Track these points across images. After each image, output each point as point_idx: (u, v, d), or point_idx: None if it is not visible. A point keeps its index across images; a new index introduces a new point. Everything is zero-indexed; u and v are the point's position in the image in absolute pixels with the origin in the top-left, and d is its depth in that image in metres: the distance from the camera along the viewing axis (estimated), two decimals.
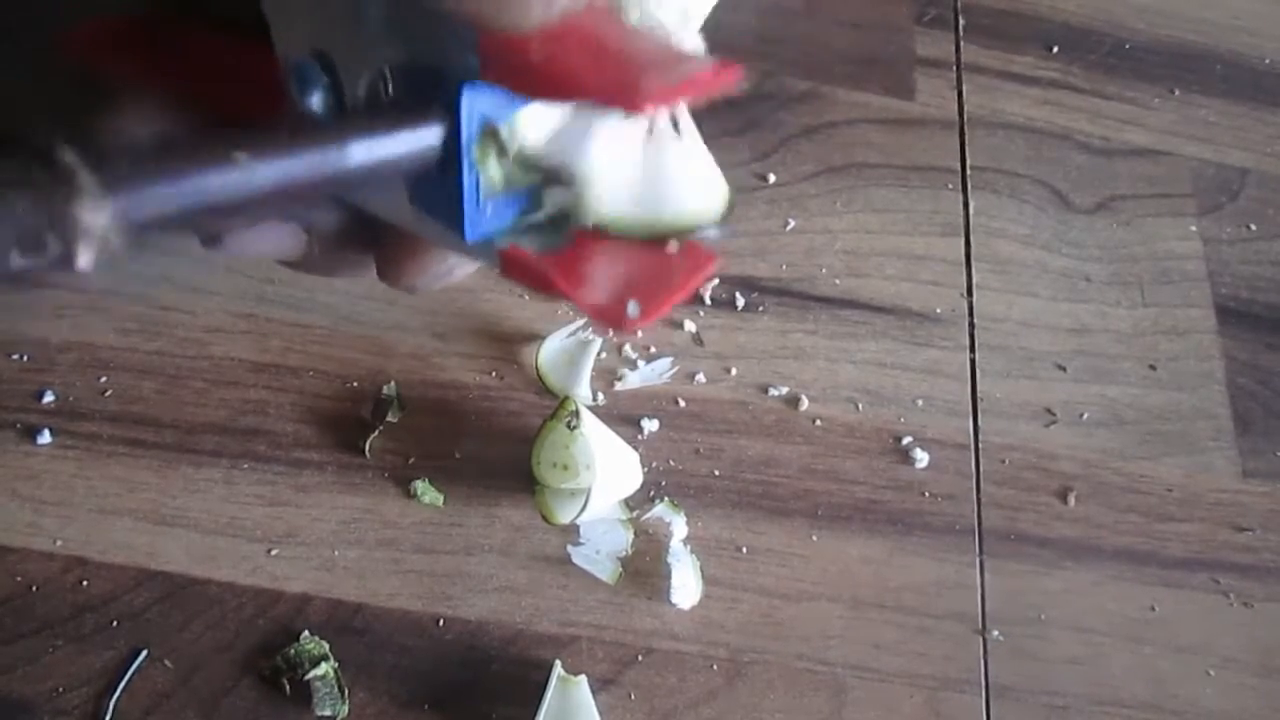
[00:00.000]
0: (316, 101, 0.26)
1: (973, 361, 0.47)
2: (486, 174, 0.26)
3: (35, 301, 0.42)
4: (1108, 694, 0.41)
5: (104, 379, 0.41)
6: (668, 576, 0.39)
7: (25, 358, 0.41)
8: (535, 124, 0.27)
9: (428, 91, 0.25)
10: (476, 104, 0.25)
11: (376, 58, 0.25)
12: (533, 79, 0.25)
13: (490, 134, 0.26)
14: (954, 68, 0.55)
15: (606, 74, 0.25)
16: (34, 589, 0.37)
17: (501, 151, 0.26)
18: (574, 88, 0.25)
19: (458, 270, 0.31)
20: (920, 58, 0.55)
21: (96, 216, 0.21)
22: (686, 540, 0.41)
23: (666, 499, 0.41)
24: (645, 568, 0.40)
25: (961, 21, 0.56)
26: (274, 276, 0.44)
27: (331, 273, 0.32)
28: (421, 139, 0.25)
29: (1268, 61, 0.58)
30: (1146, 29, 0.47)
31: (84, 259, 0.21)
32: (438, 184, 0.26)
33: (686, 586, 0.40)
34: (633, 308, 0.28)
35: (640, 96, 0.25)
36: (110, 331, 0.42)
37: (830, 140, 0.51)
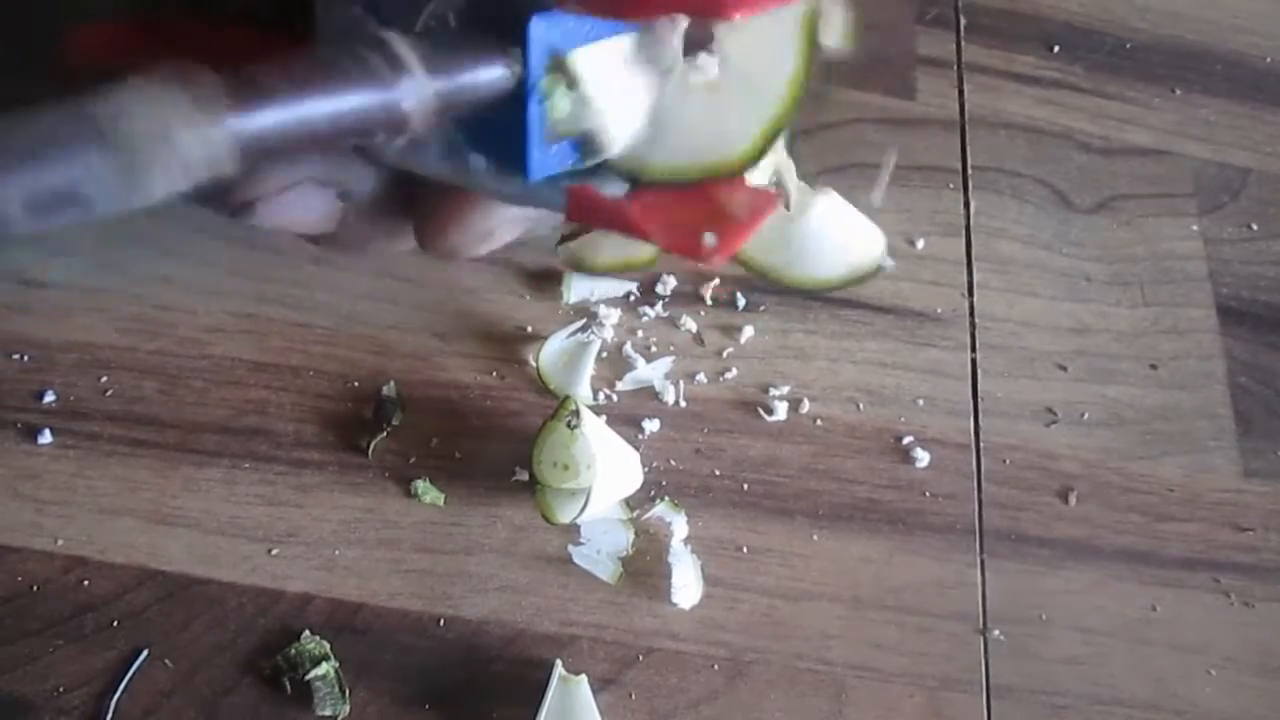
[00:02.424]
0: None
1: (974, 361, 0.47)
2: (553, 108, 0.25)
3: (35, 301, 0.42)
4: (1108, 693, 0.41)
5: (105, 379, 0.41)
6: (668, 576, 0.39)
7: (26, 358, 0.41)
8: (603, 59, 0.26)
9: (494, 22, 0.24)
10: (546, 34, 0.24)
11: None
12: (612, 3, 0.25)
13: (558, 65, 0.25)
14: (955, 67, 0.55)
15: None
16: (34, 589, 0.38)
17: (570, 84, 0.25)
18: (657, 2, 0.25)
19: (499, 232, 0.29)
20: (921, 57, 0.55)
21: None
22: (687, 540, 0.41)
23: (667, 499, 0.41)
24: (646, 567, 0.40)
25: (963, 21, 0.56)
26: (274, 276, 0.44)
27: (365, 245, 0.30)
28: (487, 72, 0.24)
29: (1269, 61, 0.58)
30: (1148, 29, 0.47)
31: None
32: (501, 120, 0.25)
33: (687, 586, 0.40)
34: (709, 238, 0.28)
35: (727, 3, 0.25)
36: (111, 331, 0.42)
37: (830, 140, 0.51)
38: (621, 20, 0.26)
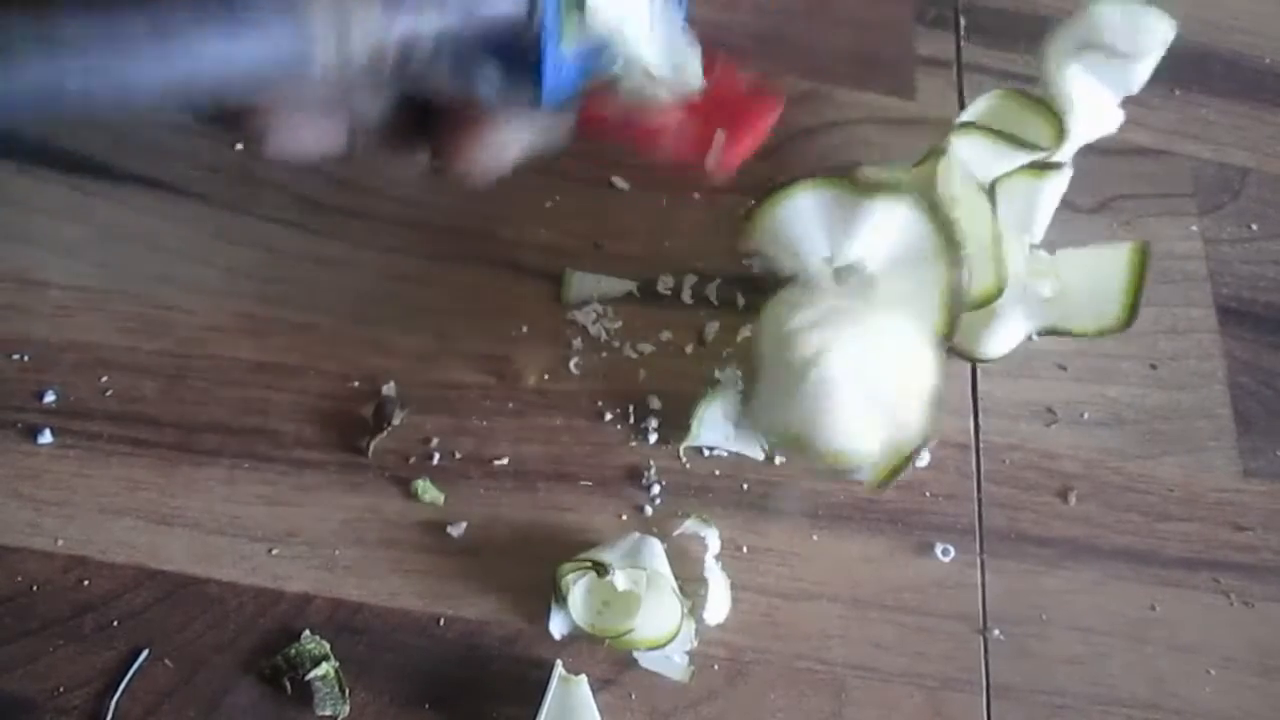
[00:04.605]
0: None
1: (974, 361, 0.47)
2: (566, 33, 0.26)
3: (35, 301, 0.42)
4: (1108, 693, 0.41)
5: (105, 378, 0.41)
6: (703, 594, 0.39)
7: (26, 357, 0.41)
8: None
9: None
10: None
11: None
12: None
13: None
14: (955, 67, 0.55)
15: None
16: (35, 588, 0.38)
17: (581, 6, 0.26)
18: None
19: (513, 145, 0.29)
20: (921, 57, 0.55)
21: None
22: (718, 556, 0.40)
23: (694, 514, 0.41)
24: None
25: (963, 21, 0.56)
26: (274, 276, 0.44)
27: (378, 159, 0.31)
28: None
29: (1268, 61, 0.58)
30: None
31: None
32: (512, 42, 0.25)
33: (719, 603, 0.39)
34: (713, 156, 0.28)
35: None
36: (111, 331, 0.42)
37: (831, 140, 0.51)
38: None
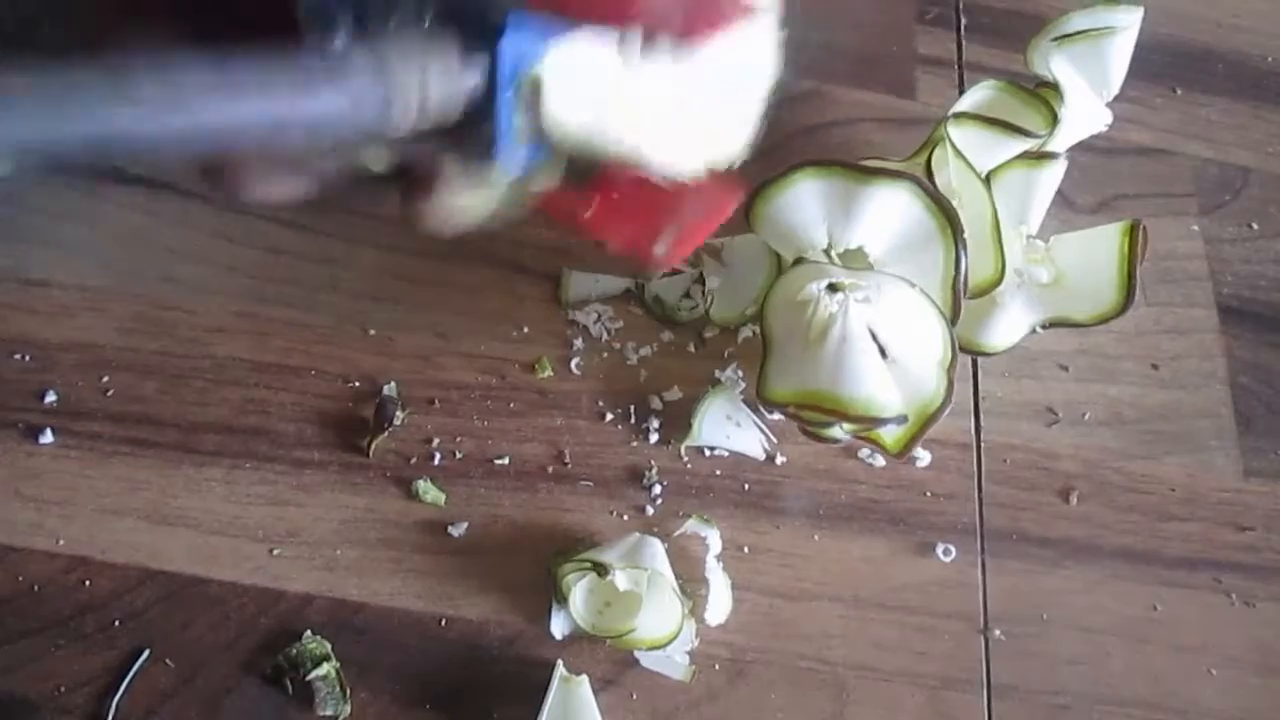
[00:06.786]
0: (339, 42, 0.26)
1: (974, 361, 0.47)
2: (521, 116, 0.27)
3: (36, 301, 0.42)
4: (1109, 693, 0.41)
5: (106, 378, 0.41)
6: (704, 594, 0.39)
7: (27, 357, 0.41)
8: (567, 64, 0.27)
9: (467, 28, 0.26)
10: (516, 46, 0.26)
11: None
12: (582, 7, 0.26)
13: (528, 79, 0.26)
14: (956, 66, 0.55)
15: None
16: (36, 589, 0.38)
17: (536, 93, 0.27)
18: (625, 10, 0.26)
19: (474, 208, 0.31)
20: (922, 56, 0.55)
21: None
22: (719, 556, 0.40)
23: (695, 514, 0.41)
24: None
25: (963, 20, 0.56)
26: (275, 276, 0.44)
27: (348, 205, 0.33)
28: (459, 80, 0.26)
29: (1270, 60, 0.58)
30: (1148, 28, 0.47)
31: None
32: (472, 123, 0.26)
33: (720, 603, 0.39)
34: (660, 246, 0.29)
35: (695, 25, 0.26)
36: (112, 331, 0.42)
37: (832, 139, 0.51)
38: (587, 23, 0.27)
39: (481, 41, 0.26)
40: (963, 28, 0.56)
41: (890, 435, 0.39)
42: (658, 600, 0.38)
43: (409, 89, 0.25)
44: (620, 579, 0.37)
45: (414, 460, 0.41)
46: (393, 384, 0.42)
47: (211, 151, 0.26)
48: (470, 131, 0.26)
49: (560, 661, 0.38)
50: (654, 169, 0.30)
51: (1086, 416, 0.46)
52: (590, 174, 0.30)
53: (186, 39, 0.26)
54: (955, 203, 0.39)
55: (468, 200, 0.30)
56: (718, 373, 0.44)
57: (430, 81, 0.25)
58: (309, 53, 0.25)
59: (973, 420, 0.45)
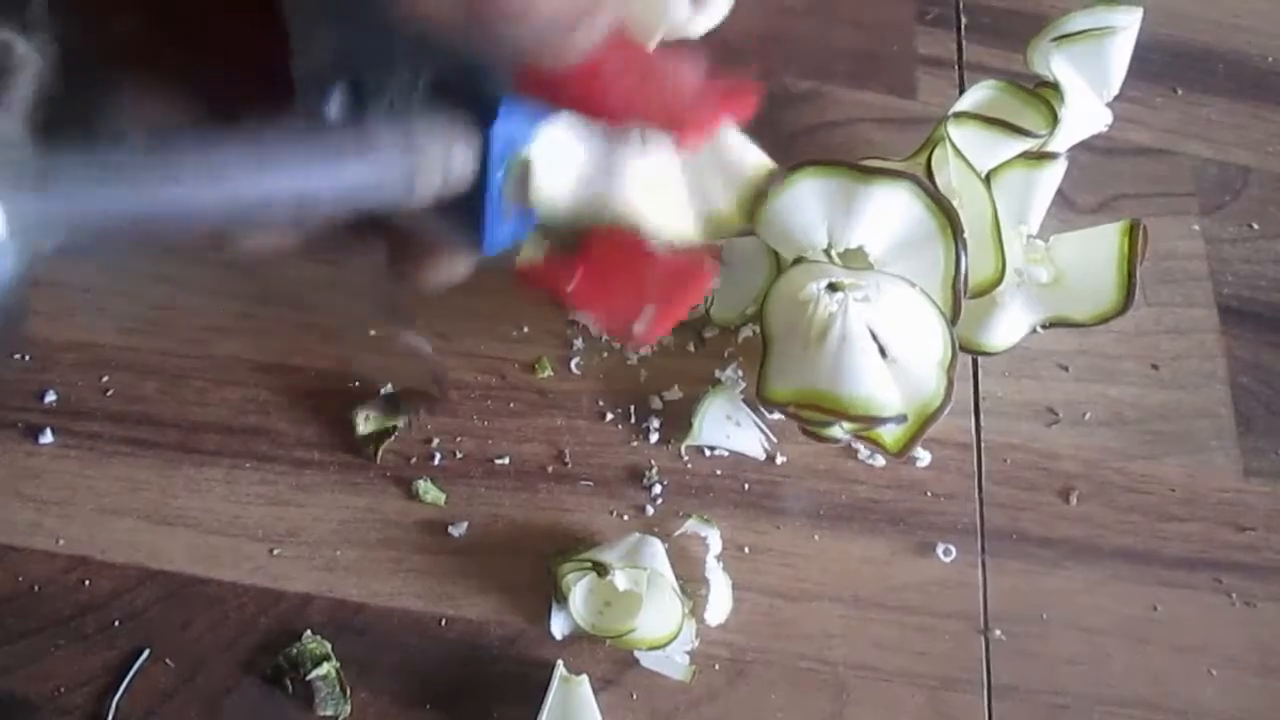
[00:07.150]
0: (333, 110, 0.26)
1: (975, 360, 0.47)
2: (510, 194, 0.27)
3: (36, 301, 0.42)
4: (1109, 693, 0.41)
5: (106, 378, 0.41)
6: (704, 594, 0.39)
7: (27, 357, 0.41)
8: (558, 145, 0.28)
9: (458, 106, 0.26)
10: (507, 128, 0.26)
11: (405, 68, 0.26)
12: (574, 100, 0.27)
13: (518, 160, 0.27)
14: (956, 66, 0.55)
15: (650, 99, 0.27)
16: (36, 588, 0.38)
17: (525, 174, 0.27)
18: (616, 109, 0.27)
19: (461, 269, 0.32)
20: (922, 57, 0.55)
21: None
22: (719, 556, 0.40)
23: (695, 514, 0.41)
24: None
25: (963, 20, 0.56)
26: (275, 276, 0.44)
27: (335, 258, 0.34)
28: (450, 159, 0.26)
29: (1270, 60, 0.58)
30: (1148, 28, 0.47)
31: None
32: (461, 198, 0.27)
33: (720, 603, 0.39)
34: (638, 326, 0.30)
35: (688, 125, 0.27)
36: (112, 331, 0.42)
37: (832, 139, 0.51)
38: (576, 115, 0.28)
39: (474, 119, 0.26)
40: (963, 28, 0.56)
41: (890, 435, 0.39)
42: (658, 600, 0.38)
43: (434, 163, 0.25)
44: (620, 579, 0.37)
45: (414, 460, 0.41)
46: (392, 384, 0.42)
47: (243, 226, 0.26)
48: (458, 206, 0.27)
49: (560, 661, 0.38)
50: (642, 237, 0.30)
51: (1087, 416, 0.46)
52: (574, 247, 0.30)
53: (192, 109, 0.26)
54: (955, 203, 0.39)
55: (452, 269, 0.31)
56: (718, 372, 0.44)
57: (455, 156, 0.26)
58: (302, 120, 0.26)
59: (973, 420, 0.45)
